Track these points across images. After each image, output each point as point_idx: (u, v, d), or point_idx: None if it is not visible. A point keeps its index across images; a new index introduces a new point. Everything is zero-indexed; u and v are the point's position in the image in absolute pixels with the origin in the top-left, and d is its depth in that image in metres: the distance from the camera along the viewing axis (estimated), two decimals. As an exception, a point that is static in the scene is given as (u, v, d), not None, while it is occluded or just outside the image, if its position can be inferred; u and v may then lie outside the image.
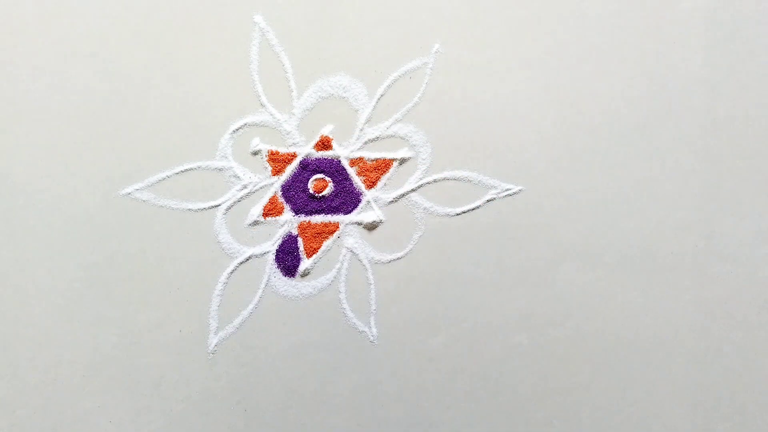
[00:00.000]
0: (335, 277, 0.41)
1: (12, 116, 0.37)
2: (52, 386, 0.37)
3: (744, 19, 0.44)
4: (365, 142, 0.41)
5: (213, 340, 0.39)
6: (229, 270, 0.39)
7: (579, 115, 0.43)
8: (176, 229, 0.39)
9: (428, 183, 0.42)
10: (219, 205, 0.39)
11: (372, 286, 0.41)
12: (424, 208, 0.42)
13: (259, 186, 0.40)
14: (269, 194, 0.40)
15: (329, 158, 0.41)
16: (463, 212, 0.42)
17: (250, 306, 0.40)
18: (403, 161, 0.41)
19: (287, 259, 0.40)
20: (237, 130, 0.39)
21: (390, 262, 0.41)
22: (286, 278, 0.40)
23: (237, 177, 0.40)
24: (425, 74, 0.41)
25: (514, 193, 0.43)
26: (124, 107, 0.38)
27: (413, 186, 0.42)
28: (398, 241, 0.41)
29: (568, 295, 0.43)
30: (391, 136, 0.41)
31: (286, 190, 0.40)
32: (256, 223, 0.40)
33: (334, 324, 0.41)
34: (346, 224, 0.41)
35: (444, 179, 0.42)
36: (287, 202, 0.40)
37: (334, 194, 0.41)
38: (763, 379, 0.45)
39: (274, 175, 0.40)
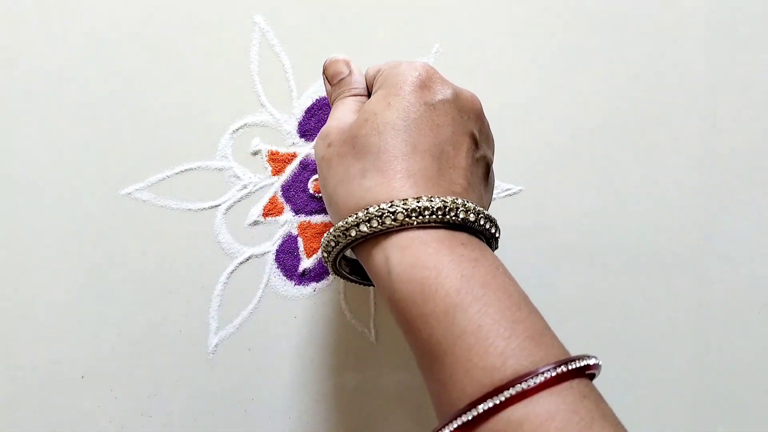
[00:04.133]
0: (335, 277, 0.41)
1: (11, 116, 0.37)
2: (52, 386, 0.37)
3: (744, 19, 0.44)
4: (365, 142, 0.41)
5: (213, 340, 0.39)
6: (229, 270, 0.39)
7: (579, 116, 0.43)
8: (176, 229, 0.39)
9: (428, 183, 0.42)
10: (219, 205, 0.39)
11: (372, 287, 0.41)
12: (424, 208, 0.42)
13: (259, 186, 0.40)
14: (269, 194, 0.40)
15: (329, 158, 0.41)
16: (463, 212, 0.42)
17: (250, 306, 0.40)
18: (403, 161, 0.41)
19: (287, 259, 0.40)
20: (237, 130, 0.39)
21: (390, 262, 0.41)
22: (286, 278, 0.40)
23: (237, 177, 0.40)
24: (425, 74, 0.41)
25: (514, 193, 0.43)
26: (124, 107, 0.38)
27: (413, 186, 0.42)
28: (398, 241, 0.41)
29: (568, 295, 0.43)
30: (391, 136, 0.41)
31: (286, 190, 0.40)
32: (256, 223, 0.40)
33: (334, 324, 0.41)
34: (346, 224, 0.41)
35: (444, 179, 0.42)
36: (287, 202, 0.40)
37: (334, 194, 0.41)
38: (763, 379, 0.45)
39: (274, 175, 0.40)
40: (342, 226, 0.28)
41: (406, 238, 0.27)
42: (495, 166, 0.42)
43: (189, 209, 0.39)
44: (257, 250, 0.40)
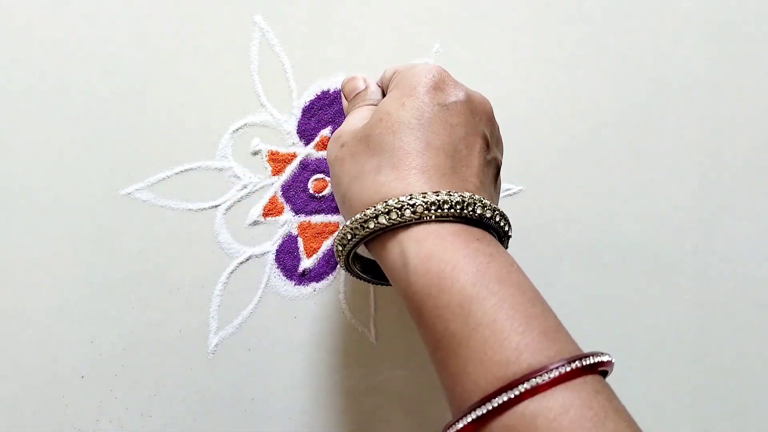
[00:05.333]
0: (335, 277, 0.41)
1: (11, 116, 0.37)
2: (52, 386, 0.37)
3: (744, 19, 0.44)
4: (365, 142, 0.41)
5: (213, 340, 0.39)
6: (229, 270, 0.39)
7: (579, 116, 0.43)
8: (176, 229, 0.39)
9: (428, 183, 0.42)
10: (219, 205, 0.39)
11: (372, 286, 0.41)
12: (424, 208, 0.42)
13: (259, 186, 0.40)
14: (269, 194, 0.40)
15: (329, 158, 0.41)
16: (463, 212, 0.42)
17: (250, 306, 0.40)
18: (403, 161, 0.41)
19: (287, 259, 0.40)
20: (237, 130, 0.39)
21: (390, 262, 0.41)
22: (286, 278, 0.40)
23: (237, 177, 0.40)
24: (425, 74, 0.41)
25: (514, 193, 0.43)
26: (124, 107, 0.38)
27: (413, 186, 0.42)
28: (398, 241, 0.41)
29: (568, 295, 0.43)
30: (391, 136, 0.41)
31: (286, 190, 0.40)
32: (256, 223, 0.40)
33: (334, 324, 0.41)
34: (346, 224, 0.41)
35: (444, 179, 0.42)
36: (287, 202, 0.40)
37: (334, 194, 0.41)
38: (763, 379, 0.45)
39: (274, 175, 0.40)
40: (360, 218, 0.28)
41: (423, 231, 0.27)
42: (495, 166, 0.42)
43: (189, 209, 0.39)
44: (257, 250, 0.40)
